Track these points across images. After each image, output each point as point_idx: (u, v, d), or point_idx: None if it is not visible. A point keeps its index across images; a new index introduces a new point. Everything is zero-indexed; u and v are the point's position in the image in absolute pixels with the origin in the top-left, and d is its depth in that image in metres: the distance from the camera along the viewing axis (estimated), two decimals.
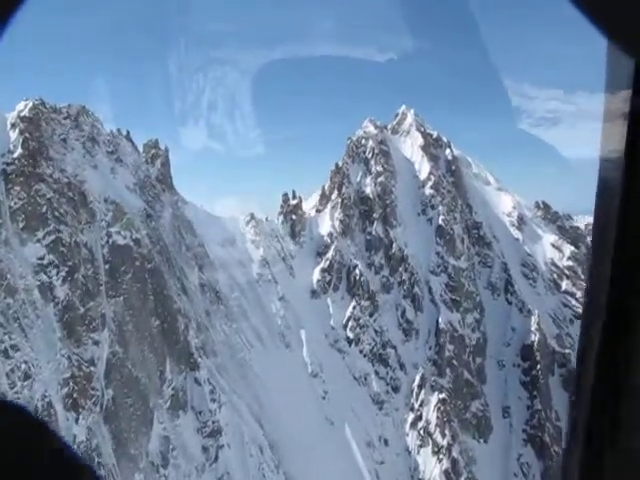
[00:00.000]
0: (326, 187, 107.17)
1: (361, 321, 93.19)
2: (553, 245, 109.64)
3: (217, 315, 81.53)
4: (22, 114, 61.71)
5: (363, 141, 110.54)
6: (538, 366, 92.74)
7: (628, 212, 1.54)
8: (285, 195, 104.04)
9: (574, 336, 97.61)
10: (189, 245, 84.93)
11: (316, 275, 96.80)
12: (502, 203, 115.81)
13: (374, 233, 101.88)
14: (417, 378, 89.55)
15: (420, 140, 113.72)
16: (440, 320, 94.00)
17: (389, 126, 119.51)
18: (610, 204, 1.59)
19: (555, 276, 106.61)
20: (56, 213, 59.56)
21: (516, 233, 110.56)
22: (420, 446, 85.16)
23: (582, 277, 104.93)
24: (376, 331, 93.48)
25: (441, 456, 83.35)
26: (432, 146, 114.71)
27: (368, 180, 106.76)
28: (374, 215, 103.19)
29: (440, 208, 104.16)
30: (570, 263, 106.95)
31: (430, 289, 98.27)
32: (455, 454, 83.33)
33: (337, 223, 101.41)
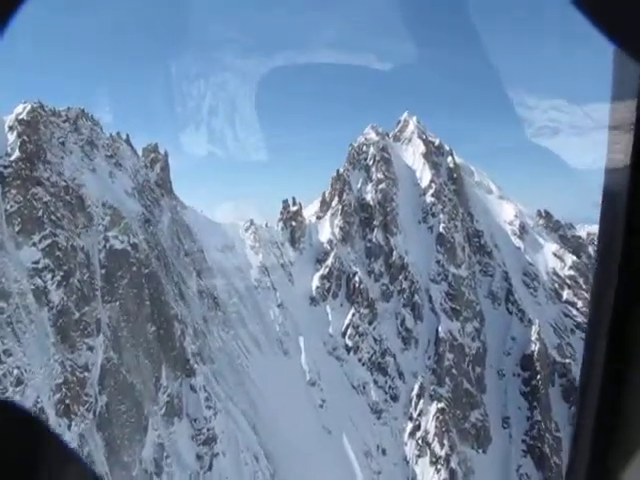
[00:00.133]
0: (327, 194, 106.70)
1: (360, 329, 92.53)
2: (555, 254, 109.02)
3: (215, 321, 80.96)
4: (20, 117, 61.28)
5: (364, 148, 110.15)
6: (538, 376, 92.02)
7: (634, 221, 1.56)
8: (285, 201, 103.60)
9: (575, 346, 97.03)
10: (188, 250, 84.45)
11: (315, 282, 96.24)
12: (504, 211, 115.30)
13: (374, 240, 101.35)
14: (416, 387, 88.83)
15: (422, 147, 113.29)
16: (440, 329, 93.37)
17: (391, 133, 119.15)
18: (615, 213, 1.60)
19: (556, 285, 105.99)
20: (52, 217, 59.09)
21: (517, 242, 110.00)
22: (418, 456, 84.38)
23: (584, 287, 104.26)
24: (375, 339, 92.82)
25: (439, 466, 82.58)
26: (434, 154, 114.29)
27: (369, 187, 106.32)
28: (374, 222, 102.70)
29: (441, 216, 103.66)
30: (572, 272, 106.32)
31: (430, 297, 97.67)
32: (453, 464, 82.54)
33: (337, 230, 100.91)
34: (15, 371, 48.41)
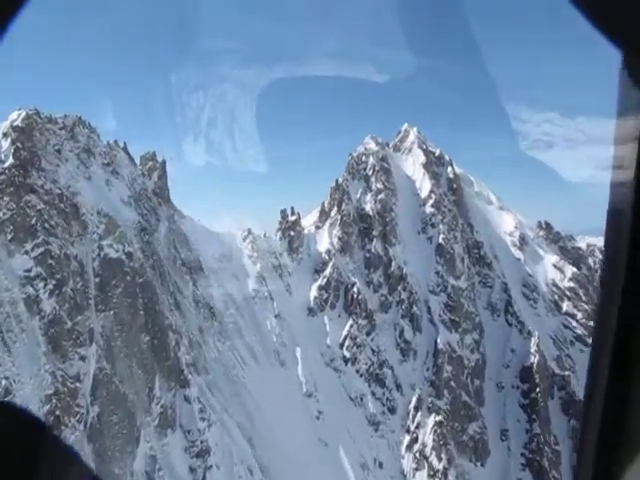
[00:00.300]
0: (326, 204, 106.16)
1: (358, 340, 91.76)
2: (555, 266, 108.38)
3: (211, 331, 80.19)
4: (15, 123, 60.87)
5: (364, 158, 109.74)
6: (537, 389, 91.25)
7: (639, 236, 1.56)
8: (283, 211, 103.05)
9: (574, 358, 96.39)
10: (184, 260, 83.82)
11: (313, 292, 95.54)
12: (504, 222, 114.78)
13: (373, 251, 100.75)
14: (414, 399, 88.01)
15: (422, 158, 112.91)
16: (439, 340, 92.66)
17: (391, 143, 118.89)
18: (620, 228, 1.61)
19: (556, 297, 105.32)
20: (46, 225, 58.53)
21: (517, 253, 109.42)
22: (416, 469, 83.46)
23: (583, 298, 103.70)
24: (373, 350, 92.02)
25: None
26: (434, 164, 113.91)
27: (368, 197, 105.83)
28: (373, 233, 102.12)
29: (440, 227, 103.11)
30: (571, 284, 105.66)
31: (429, 309, 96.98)
32: (451, 478, 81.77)
33: (336, 240, 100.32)
34: (3, 382, 47.73)
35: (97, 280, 63.43)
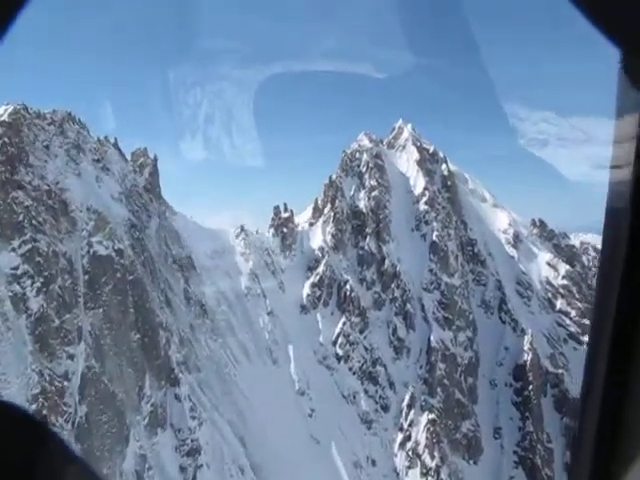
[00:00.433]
0: (319, 200, 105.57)
1: (351, 338, 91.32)
2: (548, 263, 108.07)
3: (202, 329, 79.58)
4: (1, 119, 60.05)
5: (357, 155, 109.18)
6: (530, 387, 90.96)
7: (637, 234, 1.59)
8: (276, 208, 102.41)
9: (568, 356, 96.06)
10: (176, 257, 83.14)
11: (306, 290, 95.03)
12: (498, 220, 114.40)
13: (366, 248, 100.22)
14: (407, 397, 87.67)
15: (416, 155, 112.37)
16: (432, 338, 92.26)
17: (385, 140, 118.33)
18: (619, 227, 1.63)
19: (550, 295, 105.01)
20: (34, 222, 57.75)
21: (511, 251, 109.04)
22: (408, 467, 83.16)
23: (577, 296, 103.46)
24: (366, 348, 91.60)
25: (430, 478, 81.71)
26: (428, 161, 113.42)
27: (362, 194, 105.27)
28: (367, 230, 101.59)
29: (434, 224, 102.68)
30: (565, 282, 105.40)
31: (422, 306, 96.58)
32: (444, 476, 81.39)
33: (329, 237, 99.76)
34: None
35: (86, 277, 62.71)
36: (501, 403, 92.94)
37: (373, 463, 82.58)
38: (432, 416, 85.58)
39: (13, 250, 55.37)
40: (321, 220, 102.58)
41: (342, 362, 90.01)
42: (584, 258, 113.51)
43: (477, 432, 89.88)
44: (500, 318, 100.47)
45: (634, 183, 1.53)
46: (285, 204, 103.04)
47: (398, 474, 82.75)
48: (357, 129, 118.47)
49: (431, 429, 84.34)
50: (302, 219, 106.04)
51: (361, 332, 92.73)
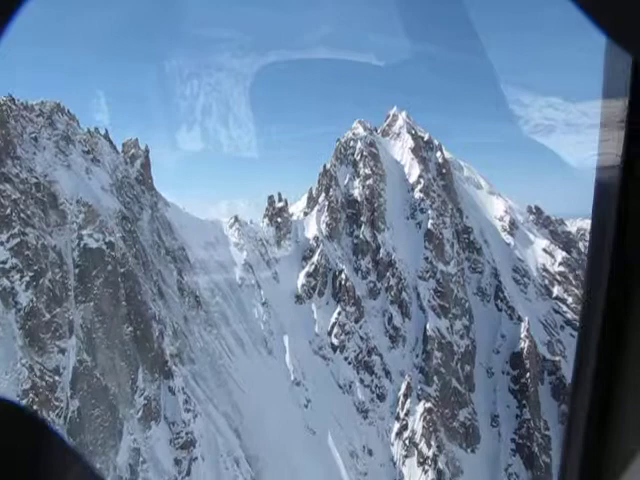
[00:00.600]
0: (314, 190, 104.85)
1: (346, 327, 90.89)
2: (545, 250, 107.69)
3: (196, 321, 79.01)
4: None
5: (352, 143, 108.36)
6: (528, 374, 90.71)
7: (625, 218, 1.59)
8: (270, 198, 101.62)
9: (565, 343, 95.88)
10: (169, 248, 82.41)
11: (301, 280, 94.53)
12: (494, 207, 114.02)
13: (361, 237, 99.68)
14: (403, 386, 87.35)
15: (410, 142, 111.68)
16: (428, 327, 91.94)
17: (379, 128, 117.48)
18: (607, 209, 1.64)
19: (546, 282, 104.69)
20: (22, 215, 56.95)
21: (507, 238, 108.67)
22: (405, 456, 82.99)
23: (574, 283, 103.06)
24: (362, 338, 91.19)
25: (427, 467, 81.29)
26: (423, 149, 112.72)
27: (356, 183, 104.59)
28: (362, 219, 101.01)
29: (429, 212, 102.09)
30: (562, 269, 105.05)
31: (418, 295, 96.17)
32: (441, 465, 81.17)
33: (323, 226, 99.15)
34: None
35: (77, 271, 62.04)
36: (498, 391, 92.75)
37: (370, 453, 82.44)
38: (428, 405, 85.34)
39: (1, 244, 54.59)
40: (316, 209, 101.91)
41: (338, 352, 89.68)
42: (581, 244, 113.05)
43: (474, 420, 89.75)
44: (496, 306, 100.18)
45: (622, 167, 1.52)
46: (279, 194, 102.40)
47: (395, 463, 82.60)
48: (353, 117, 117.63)
49: (428, 418, 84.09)
50: (297, 209, 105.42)
51: (356, 321, 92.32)
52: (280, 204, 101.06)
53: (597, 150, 1.67)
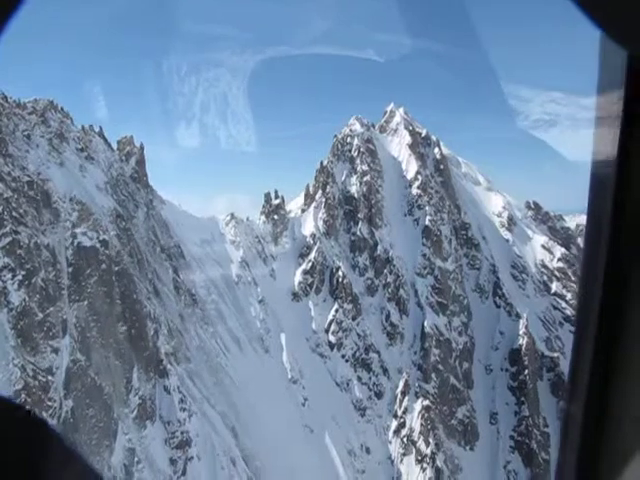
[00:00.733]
0: (311, 186, 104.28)
1: (344, 325, 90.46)
2: (543, 246, 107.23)
3: (192, 319, 78.49)
4: None
5: (349, 139, 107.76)
6: (526, 371, 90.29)
7: (621, 213, 1.59)
8: (267, 194, 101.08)
9: (564, 339, 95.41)
10: (164, 246, 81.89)
11: (298, 277, 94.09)
12: (492, 203, 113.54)
13: (359, 234, 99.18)
14: (401, 384, 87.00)
15: (408, 138, 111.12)
16: (426, 324, 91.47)
17: (377, 125, 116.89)
18: (603, 205, 1.64)
19: (545, 278, 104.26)
20: (14, 213, 56.29)
21: (506, 234, 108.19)
22: (403, 454, 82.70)
23: (572, 279, 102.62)
24: (359, 335, 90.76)
25: (425, 465, 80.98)
26: (420, 145, 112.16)
27: (353, 179, 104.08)
28: (359, 215, 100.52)
29: (427, 208, 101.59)
30: (560, 265, 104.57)
31: (416, 292, 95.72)
32: (439, 463, 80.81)
33: (320, 223, 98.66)
34: None
35: (70, 270, 61.43)
36: (497, 388, 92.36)
37: (367, 451, 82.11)
38: (427, 402, 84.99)
39: None
40: (313, 206, 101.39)
41: (335, 349, 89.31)
42: (579, 240, 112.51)
43: (473, 417, 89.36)
44: (495, 302, 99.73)
45: (618, 162, 1.52)
46: (276, 191, 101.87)
47: (393, 461, 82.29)
48: (350, 114, 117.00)
49: (426, 415, 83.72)
50: (293, 206, 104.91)
51: (354, 319, 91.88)
52: (277, 201, 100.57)
53: (592, 145, 1.66)
